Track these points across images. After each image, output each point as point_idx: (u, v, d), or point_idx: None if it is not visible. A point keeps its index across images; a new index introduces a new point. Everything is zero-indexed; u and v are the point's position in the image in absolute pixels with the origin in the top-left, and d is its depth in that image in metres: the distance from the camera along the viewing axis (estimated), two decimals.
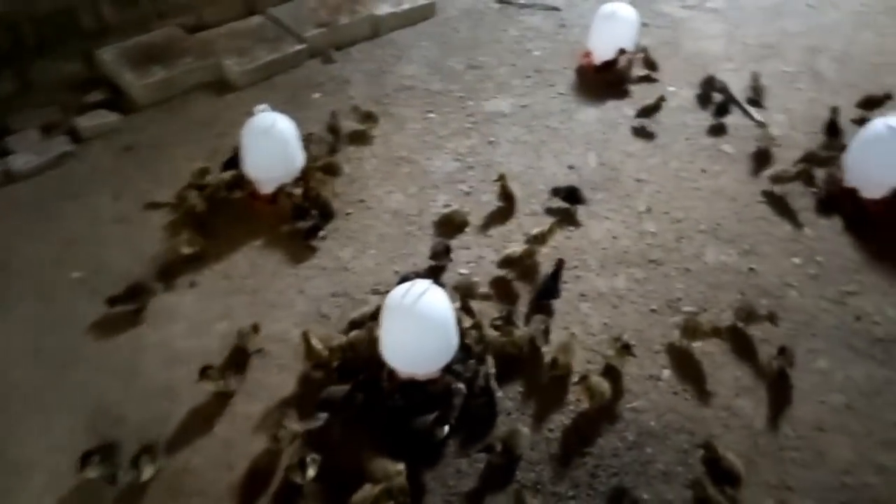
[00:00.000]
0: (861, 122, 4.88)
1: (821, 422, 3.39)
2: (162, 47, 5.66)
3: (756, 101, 5.43)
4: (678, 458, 3.25)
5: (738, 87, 5.55)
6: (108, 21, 5.64)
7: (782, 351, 3.55)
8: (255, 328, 3.69)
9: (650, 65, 5.69)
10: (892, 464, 3.22)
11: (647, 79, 5.68)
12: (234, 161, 4.58)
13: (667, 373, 3.63)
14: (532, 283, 4.04)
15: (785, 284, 4.07)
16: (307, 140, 4.75)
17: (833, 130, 4.98)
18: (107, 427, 3.40)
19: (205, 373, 3.45)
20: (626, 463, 3.25)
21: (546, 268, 4.06)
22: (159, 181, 4.78)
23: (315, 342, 3.52)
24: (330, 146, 4.98)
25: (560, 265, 3.94)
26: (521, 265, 4.08)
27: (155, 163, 4.94)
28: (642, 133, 5.20)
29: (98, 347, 3.78)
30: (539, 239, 4.14)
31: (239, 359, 3.61)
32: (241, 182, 4.50)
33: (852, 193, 4.48)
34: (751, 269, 4.17)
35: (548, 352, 3.57)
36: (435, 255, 4.14)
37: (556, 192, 4.56)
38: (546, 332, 3.66)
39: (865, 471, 3.19)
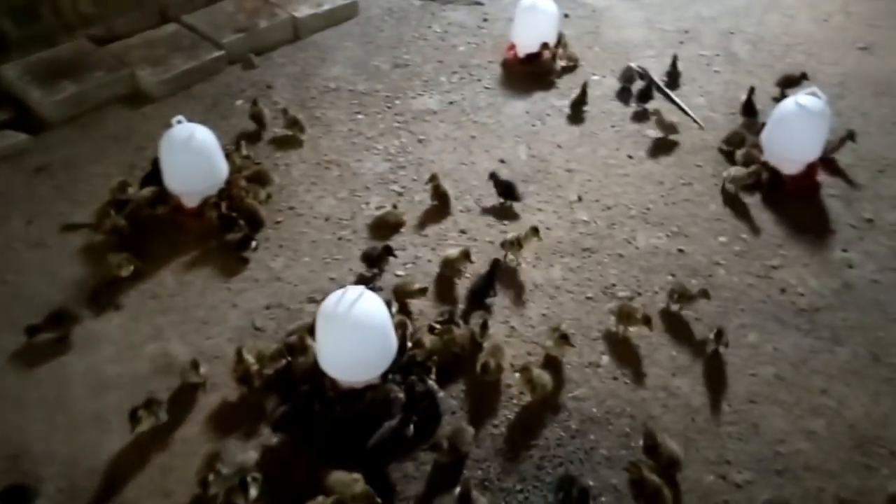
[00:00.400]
0: (780, 100, 5.05)
1: (753, 394, 3.50)
2: (70, 61, 5.40)
3: (672, 84, 5.57)
4: (621, 442, 3.30)
5: (659, 73, 5.67)
6: (8, 36, 5.34)
7: (719, 334, 3.59)
8: (195, 365, 3.50)
9: (571, 57, 5.75)
10: (820, 429, 3.35)
11: (570, 69, 5.74)
12: (154, 175, 4.41)
13: (606, 359, 3.68)
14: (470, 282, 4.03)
15: (713, 263, 4.18)
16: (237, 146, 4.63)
17: (750, 110, 5.15)
18: (31, 466, 3.21)
19: (135, 417, 3.28)
20: (570, 452, 3.28)
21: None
22: (76, 202, 4.56)
23: (247, 355, 3.43)
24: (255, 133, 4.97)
25: (496, 265, 3.93)
26: (461, 265, 4.06)
27: (70, 183, 4.71)
28: (571, 122, 5.26)
29: (19, 380, 3.57)
30: (515, 244, 4.09)
31: (183, 396, 3.47)
32: (162, 198, 4.33)
33: (770, 170, 4.63)
34: (680, 250, 4.27)
35: (481, 355, 3.50)
36: (368, 259, 4.07)
37: (494, 179, 4.54)
38: (485, 327, 3.65)
39: (797, 438, 3.31)
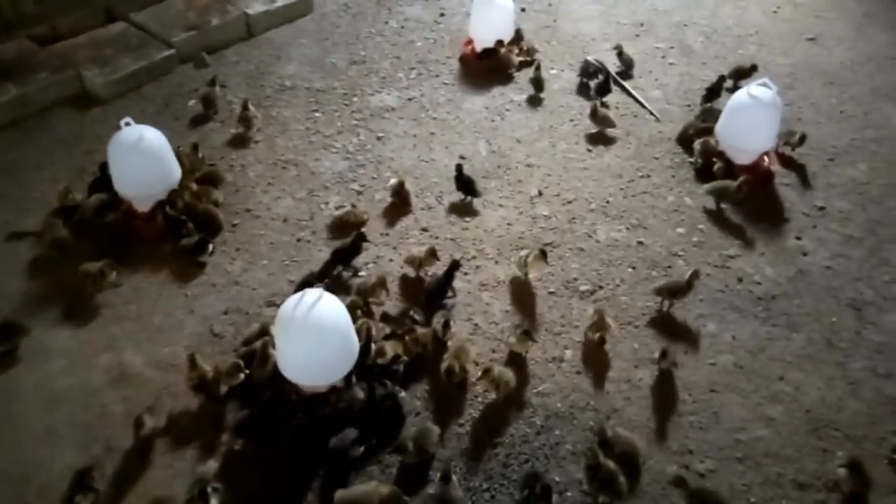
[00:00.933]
0: (733, 91, 5.12)
1: (713, 383, 3.55)
2: (12, 62, 5.20)
3: (626, 73, 5.61)
4: (585, 436, 3.31)
5: (615, 66, 5.71)
6: None
7: (664, 354, 3.54)
8: (150, 410, 3.34)
9: (529, 51, 5.75)
10: (778, 415, 3.41)
11: (528, 63, 5.74)
12: (102, 181, 4.26)
13: (569, 353, 3.69)
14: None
15: (672, 255, 4.23)
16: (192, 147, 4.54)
17: (712, 97, 5.21)
18: None
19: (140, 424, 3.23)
20: (536, 448, 3.28)
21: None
22: (22, 209, 4.41)
23: (201, 361, 3.34)
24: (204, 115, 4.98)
25: (454, 266, 3.90)
26: (427, 264, 4.01)
27: (15, 189, 4.54)
28: (530, 117, 5.27)
29: None
30: (522, 263, 3.94)
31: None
32: (111, 205, 4.19)
33: (724, 161, 4.70)
34: (639, 242, 4.31)
35: (445, 357, 3.45)
36: (341, 254, 4.02)
37: (458, 172, 4.53)
38: (446, 326, 3.63)
39: (756, 425, 3.36)
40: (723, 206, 4.50)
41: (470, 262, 4.20)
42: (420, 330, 3.60)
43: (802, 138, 4.83)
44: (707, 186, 4.56)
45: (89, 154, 4.76)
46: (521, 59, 5.72)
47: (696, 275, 3.80)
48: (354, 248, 4.03)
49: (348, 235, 4.23)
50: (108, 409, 3.40)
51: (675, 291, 3.82)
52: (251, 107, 4.98)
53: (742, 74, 5.41)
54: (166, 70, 5.50)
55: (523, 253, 3.97)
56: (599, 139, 5.08)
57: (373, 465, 3.19)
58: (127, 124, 4.12)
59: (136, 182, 4.13)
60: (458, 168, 4.52)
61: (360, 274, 4.03)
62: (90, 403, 3.42)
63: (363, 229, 4.15)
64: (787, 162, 4.84)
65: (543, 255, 3.91)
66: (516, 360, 3.60)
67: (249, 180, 4.68)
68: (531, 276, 3.98)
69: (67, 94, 5.20)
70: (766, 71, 5.63)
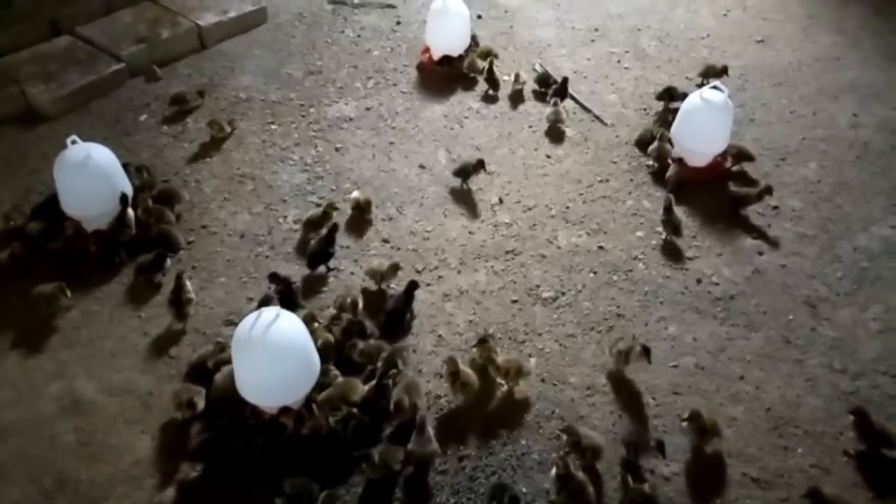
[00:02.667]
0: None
1: (676, 386, 3.58)
2: None
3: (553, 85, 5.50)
4: (551, 444, 3.31)
5: (569, 70, 5.74)
6: None
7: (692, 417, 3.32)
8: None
9: (487, 55, 5.73)
10: (740, 415, 3.46)
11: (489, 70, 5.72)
12: (48, 204, 4.13)
13: (533, 361, 3.68)
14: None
15: (632, 258, 4.26)
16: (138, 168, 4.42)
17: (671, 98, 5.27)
18: None
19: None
20: (502, 459, 3.26)
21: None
22: None
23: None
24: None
25: (412, 286, 3.83)
26: (390, 278, 3.98)
27: None
28: (489, 124, 5.27)
29: None
30: (624, 360, 3.55)
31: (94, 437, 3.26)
32: (53, 232, 4.04)
33: (679, 163, 4.76)
34: (600, 247, 4.33)
35: (394, 391, 3.29)
36: (317, 256, 4.02)
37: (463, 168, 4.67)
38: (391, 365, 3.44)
39: (719, 426, 3.39)
40: (678, 208, 4.53)
41: (432, 272, 4.17)
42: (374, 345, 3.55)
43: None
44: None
45: (35, 173, 4.60)
46: (488, 65, 5.67)
47: (647, 351, 3.49)
48: (329, 240, 4.03)
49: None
50: (59, 441, 3.28)
51: (628, 355, 3.53)
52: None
53: (712, 74, 5.45)
54: (116, 85, 5.35)
55: (622, 346, 3.54)
56: (559, 145, 5.10)
57: (337, 485, 3.13)
58: (73, 142, 3.99)
59: (83, 202, 4.00)
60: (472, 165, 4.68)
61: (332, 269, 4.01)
62: (40, 435, 3.29)
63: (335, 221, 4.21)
64: (740, 162, 4.91)
65: (647, 352, 3.48)
66: (481, 371, 3.57)
67: (205, 196, 4.57)
68: (627, 370, 3.58)
69: (10, 112, 5.01)
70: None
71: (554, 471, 3.10)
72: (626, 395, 3.54)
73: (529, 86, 5.57)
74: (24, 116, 5.06)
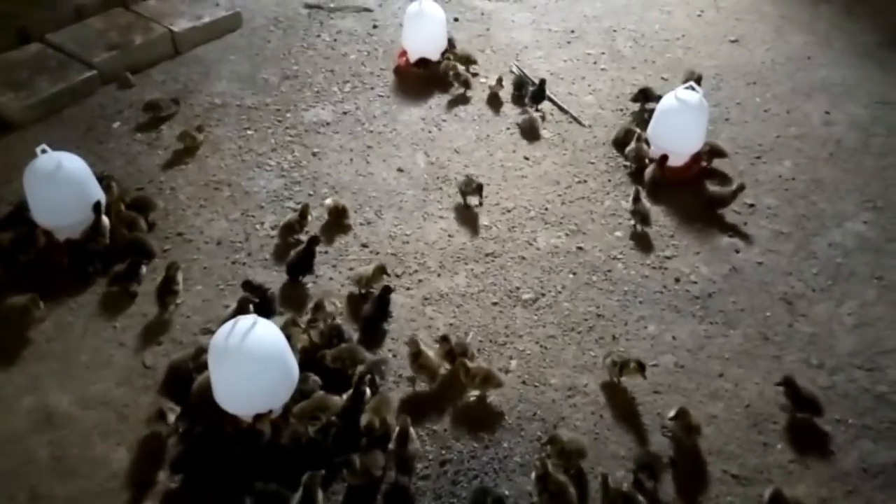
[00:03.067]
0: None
1: (656, 385, 3.59)
2: None
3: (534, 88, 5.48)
4: (533, 447, 3.30)
5: (546, 72, 5.76)
6: None
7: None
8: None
9: (465, 60, 5.74)
10: (719, 412, 3.48)
11: (475, 74, 5.72)
12: (17, 214, 4.05)
13: (514, 363, 3.68)
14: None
15: (611, 258, 4.28)
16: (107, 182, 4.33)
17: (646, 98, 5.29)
18: None
19: None
20: (485, 462, 3.25)
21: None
22: None
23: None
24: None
25: (386, 291, 3.81)
26: (376, 281, 3.96)
27: None
28: (467, 127, 5.26)
29: None
30: (618, 371, 3.53)
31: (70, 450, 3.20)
32: (25, 242, 3.97)
33: (660, 162, 4.78)
34: (579, 248, 4.34)
35: (365, 409, 3.24)
36: (297, 266, 3.98)
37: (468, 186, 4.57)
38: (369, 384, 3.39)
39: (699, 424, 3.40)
40: (651, 205, 4.56)
41: (412, 276, 4.15)
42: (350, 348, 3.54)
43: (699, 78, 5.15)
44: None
45: (5, 184, 4.51)
46: (465, 68, 5.67)
47: (641, 367, 3.47)
48: (308, 253, 3.99)
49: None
50: (33, 456, 3.21)
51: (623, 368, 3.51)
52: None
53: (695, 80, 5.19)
54: (88, 92, 5.27)
55: (616, 358, 3.53)
56: (536, 147, 5.11)
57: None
58: (43, 151, 3.92)
59: (54, 212, 3.93)
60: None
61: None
62: (13, 450, 3.22)
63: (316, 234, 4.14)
64: (714, 157, 4.93)
65: (641, 368, 3.47)
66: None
67: (180, 203, 4.51)
68: (622, 380, 3.56)
69: None
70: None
71: (534, 473, 3.09)
72: (608, 395, 3.54)
73: (507, 90, 5.56)
74: None
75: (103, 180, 4.35)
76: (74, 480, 3.13)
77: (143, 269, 3.99)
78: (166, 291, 3.76)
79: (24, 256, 3.95)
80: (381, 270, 3.96)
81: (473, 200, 4.58)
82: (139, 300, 3.91)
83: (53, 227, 3.98)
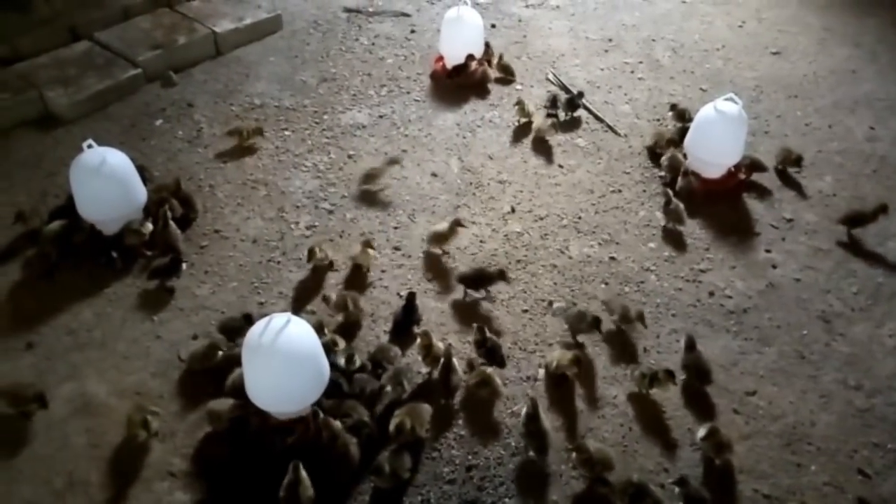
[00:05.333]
0: None
1: (687, 399, 3.54)
2: None
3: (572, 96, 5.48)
4: (560, 457, 3.28)
5: (583, 80, 5.75)
6: None
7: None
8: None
9: (504, 68, 5.76)
10: (751, 430, 3.42)
11: (506, 81, 5.75)
12: (66, 206, 4.17)
13: (542, 372, 3.66)
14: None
15: (644, 270, 4.24)
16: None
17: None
18: None
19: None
20: (511, 470, 3.24)
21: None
22: None
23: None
24: None
25: (411, 298, 3.81)
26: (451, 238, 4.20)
27: None
28: (501, 133, 5.26)
29: None
30: (647, 384, 3.49)
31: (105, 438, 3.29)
32: (73, 230, 4.09)
33: (692, 175, 4.73)
34: (612, 258, 4.32)
35: (397, 413, 3.25)
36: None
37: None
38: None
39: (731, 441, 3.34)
40: (693, 220, 4.51)
41: (443, 280, 4.16)
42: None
43: (798, 159, 4.82)
44: None
45: (51, 176, 4.65)
46: (497, 74, 5.71)
47: (670, 374, 3.45)
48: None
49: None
50: (70, 441, 3.30)
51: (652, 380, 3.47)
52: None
53: (790, 162, 4.90)
54: (132, 90, 5.41)
55: (645, 370, 3.48)
56: (571, 155, 5.10)
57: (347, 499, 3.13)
58: (89, 146, 4.03)
59: (99, 206, 4.03)
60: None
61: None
62: (52, 436, 3.31)
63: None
64: (754, 171, 4.87)
65: (671, 376, 3.44)
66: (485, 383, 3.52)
67: (218, 201, 4.60)
68: (652, 393, 3.52)
69: (29, 116, 5.07)
70: (732, 85, 5.73)
71: (524, 410, 3.23)
72: (637, 408, 3.51)
73: (542, 95, 5.55)
74: (42, 120, 5.12)
75: (143, 174, 4.47)
76: (109, 468, 3.20)
77: (184, 265, 4.08)
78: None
79: (67, 244, 4.07)
80: (456, 225, 4.21)
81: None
82: (176, 294, 3.99)
83: (97, 220, 4.09)
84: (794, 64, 6.11)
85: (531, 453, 3.26)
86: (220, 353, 3.52)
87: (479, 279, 3.99)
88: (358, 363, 3.44)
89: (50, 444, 3.27)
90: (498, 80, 5.74)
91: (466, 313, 3.95)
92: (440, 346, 3.53)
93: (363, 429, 3.20)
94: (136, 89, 5.44)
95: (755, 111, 5.44)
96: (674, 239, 4.43)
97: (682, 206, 4.45)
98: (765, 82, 5.86)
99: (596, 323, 3.70)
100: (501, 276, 3.96)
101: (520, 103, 5.30)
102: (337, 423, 3.12)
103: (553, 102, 5.39)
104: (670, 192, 4.53)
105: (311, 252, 4.07)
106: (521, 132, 5.28)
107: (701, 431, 3.25)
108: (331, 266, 4.11)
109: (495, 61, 5.80)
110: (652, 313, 3.97)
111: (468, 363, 3.60)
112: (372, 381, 3.39)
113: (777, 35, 6.49)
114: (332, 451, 3.09)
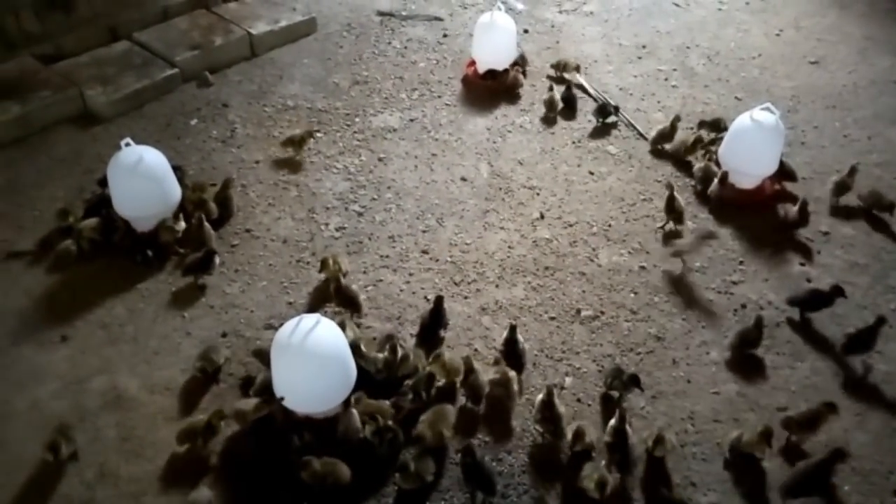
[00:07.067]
0: None
1: (717, 413, 3.49)
2: (15, 81, 5.19)
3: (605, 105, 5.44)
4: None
5: (615, 87, 5.71)
6: None
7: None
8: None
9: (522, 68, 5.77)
10: (781, 448, 3.34)
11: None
12: (100, 202, 4.26)
13: (569, 380, 3.64)
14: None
15: (674, 280, 4.18)
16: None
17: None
18: None
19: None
20: (536, 479, 3.22)
21: None
22: (21, 228, 4.37)
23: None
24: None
25: (439, 302, 3.80)
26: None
27: (14, 208, 4.51)
28: (532, 139, 5.25)
29: None
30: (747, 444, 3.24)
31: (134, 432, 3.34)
32: (108, 226, 4.18)
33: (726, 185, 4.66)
34: (642, 267, 4.27)
35: (422, 419, 3.26)
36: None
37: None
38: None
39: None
40: (725, 230, 4.45)
41: (470, 285, 4.16)
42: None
43: (891, 206, 4.47)
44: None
45: (89, 173, 4.74)
46: (525, 82, 5.71)
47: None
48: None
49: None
50: (101, 434, 3.36)
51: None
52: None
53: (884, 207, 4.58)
54: (169, 89, 5.50)
55: (744, 435, 3.26)
56: (602, 162, 5.06)
57: (369, 499, 3.13)
58: (127, 144, 4.11)
59: (135, 203, 4.11)
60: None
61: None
62: (83, 428, 3.37)
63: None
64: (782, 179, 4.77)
65: (766, 437, 3.20)
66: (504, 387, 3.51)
67: (250, 200, 4.65)
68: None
69: (69, 113, 5.19)
70: (769, 94, 5.63)
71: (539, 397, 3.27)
72: (664, 421, 3.46)
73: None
74: (81, 118, 5.22)
75: (178, 172, 4.53)
76: (138, 462, 3.25)
77: (217, 259, 4.11)
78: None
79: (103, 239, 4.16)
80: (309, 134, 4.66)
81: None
82: (207, 291, 4.05)
83: (132, 217, 4.16)
84: (832, 73, 5.99)
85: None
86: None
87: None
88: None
89: (82, 436, 3.32)
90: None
91: (493, 318, 3.94)
92: (456, 361, 3.48)
93: (386, 433, 3.20)
94: (172, 89, 5.53)
95: (792, 121, 5.34)
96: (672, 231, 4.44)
97: (682, 206, 4.43)
98: (802, 92, 5.76)
99: (635, 381, 3.44)
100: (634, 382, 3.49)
101: (550, 97, 5.39)
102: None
103: (602, 110, 5.37)
104: (673, 186, 4.50)
105: (323, 263, 4.01)
106: (552, 138, 5.26)
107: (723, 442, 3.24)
108: (344, 277, 3.97)
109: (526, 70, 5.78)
110: (682, 325, 3.92)
111: (494, 360, 3.60)
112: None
113: (816, 44, 6.37)
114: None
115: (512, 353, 3.59)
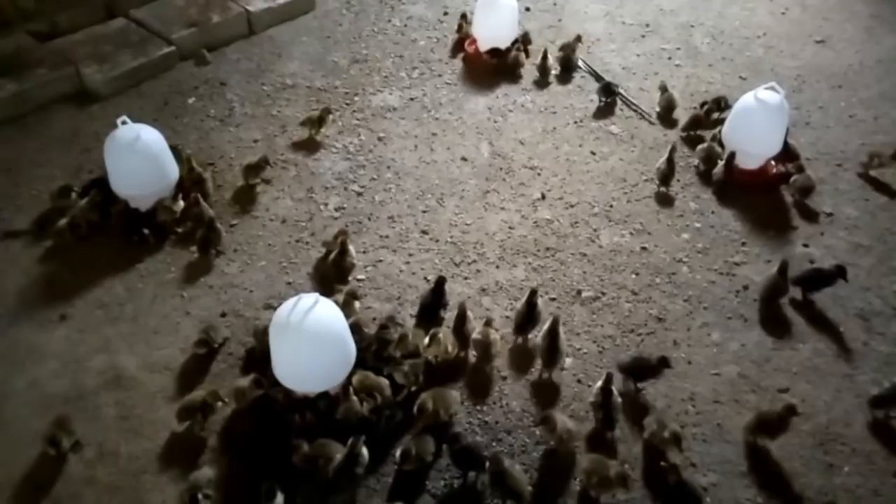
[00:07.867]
0: None
1: (717, 394, 3.48)
2: (10, 58, 5.13)
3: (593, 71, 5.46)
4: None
5: (618, 66, 5.64)
6: None
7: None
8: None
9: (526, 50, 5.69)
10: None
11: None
12: (97, 181, 4.22)
13: (570, 361, 3.62)
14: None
15: (676, 261, 4.16)
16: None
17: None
18: None
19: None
20: (535, 458, 3.22)
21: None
22: (17, 207, 4.35)
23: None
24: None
25: (440, 282, 3.77)
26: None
27: (11, 187, 4.48)
28: (533, 119, 5.19)
29: None
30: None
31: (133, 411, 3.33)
32: (105, 204, 4.15)
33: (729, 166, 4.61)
34: (643, 248, 4.24)
35: (423, 395, 3.24)
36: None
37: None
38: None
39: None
40: (728, 211, 4.42)
41: (470, 265, 4.13)
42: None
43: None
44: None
45: (86, 152, 4.70)
46: (527, 60, 5.64)
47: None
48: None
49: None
50: (101, 413, 3.36)
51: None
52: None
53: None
54: (166, 67, 5.44)
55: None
56: (604, 142, 5.00)
57: (368, 476, 3.13)
58: (123, 123, 4.06)
59: (132, 182, 4.08)
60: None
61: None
62: (83, 407, 3.37)
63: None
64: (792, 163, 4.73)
65: (677, 440, 3.14)
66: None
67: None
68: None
69: (66, 91, 5.13)
70: (773, 74, 5.56)
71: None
72: (665, 402, 3.45)
73: (577, 80, 5.46)
74: (78, 96, 5.17)
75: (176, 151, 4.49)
76: (137, 440, 3.25)
77: (220, 226, 4.07)
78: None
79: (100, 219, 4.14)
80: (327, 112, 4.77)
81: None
82: (207, 271, 4.02)
83: (130, 196, 4.13)
84: (838, 53, 5.91)
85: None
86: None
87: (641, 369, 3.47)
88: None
89: (82, 415, 3.32)
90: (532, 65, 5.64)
91: (493, 299, 3.92)
92: (447, 333, 3.51)
93: (384, 411, 3.19)
94: (169, 67, 5.47)
95: (797, 101, 5.28)
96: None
97: (672, 169, 4.52)
98: (807, 71, 5.68)
99: (664, 362, 3.37)
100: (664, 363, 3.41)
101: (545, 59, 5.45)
102: None
103: (607, 89, 5.31)
104: (674, 146, 4.58)
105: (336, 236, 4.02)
106: (553, 118, 5.20)
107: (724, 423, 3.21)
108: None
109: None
110: (683, 306, 3.90)
111: (486, 321, 3.58)
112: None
113: (822, 23, 6.28)
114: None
115: (529, 319, 3.60)
